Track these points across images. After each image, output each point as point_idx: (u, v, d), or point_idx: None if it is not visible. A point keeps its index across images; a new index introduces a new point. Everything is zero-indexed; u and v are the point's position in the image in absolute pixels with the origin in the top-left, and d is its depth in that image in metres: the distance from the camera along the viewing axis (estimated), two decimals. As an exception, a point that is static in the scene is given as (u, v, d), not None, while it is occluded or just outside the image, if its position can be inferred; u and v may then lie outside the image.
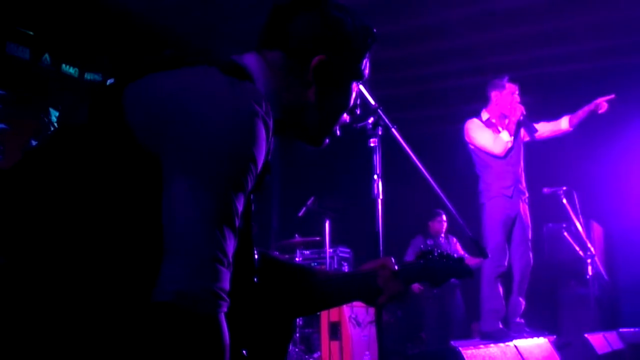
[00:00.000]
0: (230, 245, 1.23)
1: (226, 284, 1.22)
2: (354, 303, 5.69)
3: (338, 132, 1.64)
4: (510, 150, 5.35)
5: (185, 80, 1.31)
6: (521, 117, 5.38)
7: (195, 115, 1.25)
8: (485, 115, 5.53)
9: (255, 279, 1.56)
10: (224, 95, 1.28)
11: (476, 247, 2.88)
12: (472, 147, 5.50)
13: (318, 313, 6.20)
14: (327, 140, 1.65)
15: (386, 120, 2.79)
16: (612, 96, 5.41)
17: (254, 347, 1.54)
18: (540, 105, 6.49)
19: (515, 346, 3.01)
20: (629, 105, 8.05)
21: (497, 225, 5.31)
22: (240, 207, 1.26)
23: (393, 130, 2.77)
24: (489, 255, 5.19)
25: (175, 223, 1.20)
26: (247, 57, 1.51)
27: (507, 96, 5.45)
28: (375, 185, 2.88)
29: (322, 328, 6.21)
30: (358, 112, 1.69)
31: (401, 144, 2.71)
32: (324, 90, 1.55)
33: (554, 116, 5.76)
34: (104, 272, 1.23)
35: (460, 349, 2.47)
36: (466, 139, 5.53)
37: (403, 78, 7.96)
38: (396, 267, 1.87)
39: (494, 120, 5.49)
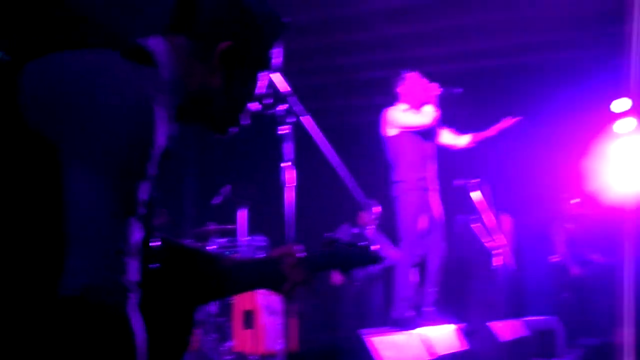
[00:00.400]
0: (135, 235, 1.22)
1: (134, 275, 1.21)
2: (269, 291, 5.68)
3: (245, 121, 1.63)
4: (437, 123, 5.47)
5: (85, 64, 1.28)
6: (439, 90, 5.49)
7: (92, 101, 1.22)
8: (403, 107, 5.60)
9: (154, 266, 1.54)
10: (123, 81, 1.26)
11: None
12: (389, 136, 5.54)
13: (231, 301, 6.17)
14: (233, 129, 1.63)
15: (297, 108, 2.78)
16: (519, 118, 5.63)
17: (154, 336, 1.51)
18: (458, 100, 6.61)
19: (422, 333, 3.07)
20: (536, 99, 8.34)
21: (412, 217, 5.39)
22: (142, 195, 1.24)
23: (304, 118, 2.77)
24: (405, 246, 5.30)
25: (78, 215, 1.17)
26: (152, 41, 1.48)
27: (413, 84, 5.57)
28: (285, 173, 2.87)
29: (235, 316, 6.18)
30: (269, 101, 1.68)
31: (311, 132, 2.71)
32: (230, 77, 1.53)
33: (470, 111, 5.91)
34: (6, 267, 1.19)
35: (364, 336, 2.50)
36: (387, 126, 5.55)
37: (323, 67, 7.99)
38: (301, 255, 1.88)
39: (411, 111, 5.58)
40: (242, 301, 6.10)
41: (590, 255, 8.21)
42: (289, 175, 2.87)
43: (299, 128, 2.93)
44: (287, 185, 2.86)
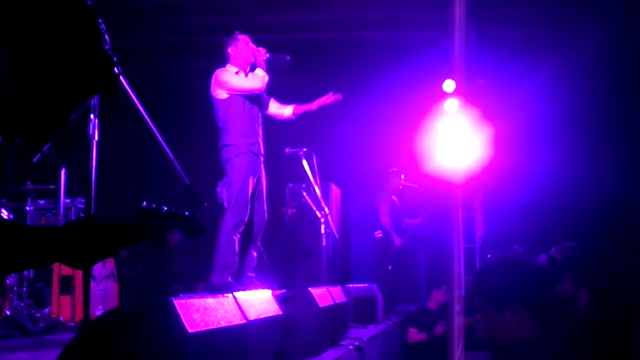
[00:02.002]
0: None
1: None
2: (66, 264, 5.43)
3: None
4: (265, 89, 5.48)
5: None
6: (267, 55, 5.49)
7: None
8: (232, 69, 5.55)
9: None
10: None
11: (192, 195, 2.84)
12: (219, 98, 5.46)
13: (50, 266, 5.88)
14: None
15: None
16: (339, 97, 5.76)
17: None
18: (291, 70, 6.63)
19: (234, 296, 3.05)
20: (365, 73, 8.56)
21: (244, 182, 5.35)
22: None
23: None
24: (234, 210, 5.25)
25: None
26: None
27: (243, 47, 5.55)
28: (91, 125, 2.70)
29: (53, 282, 5.90)
30: None
31: (125, 87, 2.57)
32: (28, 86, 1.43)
33: (303, 81, 5.94)
34: None
35: (173, 299, 2.44)
36: (217, 87, 5.46)
37: (154, 28, 7.74)
38: (96, 225, 1.71)
39: (242, 74, 5.54)
40: (59, 266, 5.82)
41: (407, 222, 8.59)
42: (95, 132, 2.70)
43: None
44: (93, 139, 2.70)
